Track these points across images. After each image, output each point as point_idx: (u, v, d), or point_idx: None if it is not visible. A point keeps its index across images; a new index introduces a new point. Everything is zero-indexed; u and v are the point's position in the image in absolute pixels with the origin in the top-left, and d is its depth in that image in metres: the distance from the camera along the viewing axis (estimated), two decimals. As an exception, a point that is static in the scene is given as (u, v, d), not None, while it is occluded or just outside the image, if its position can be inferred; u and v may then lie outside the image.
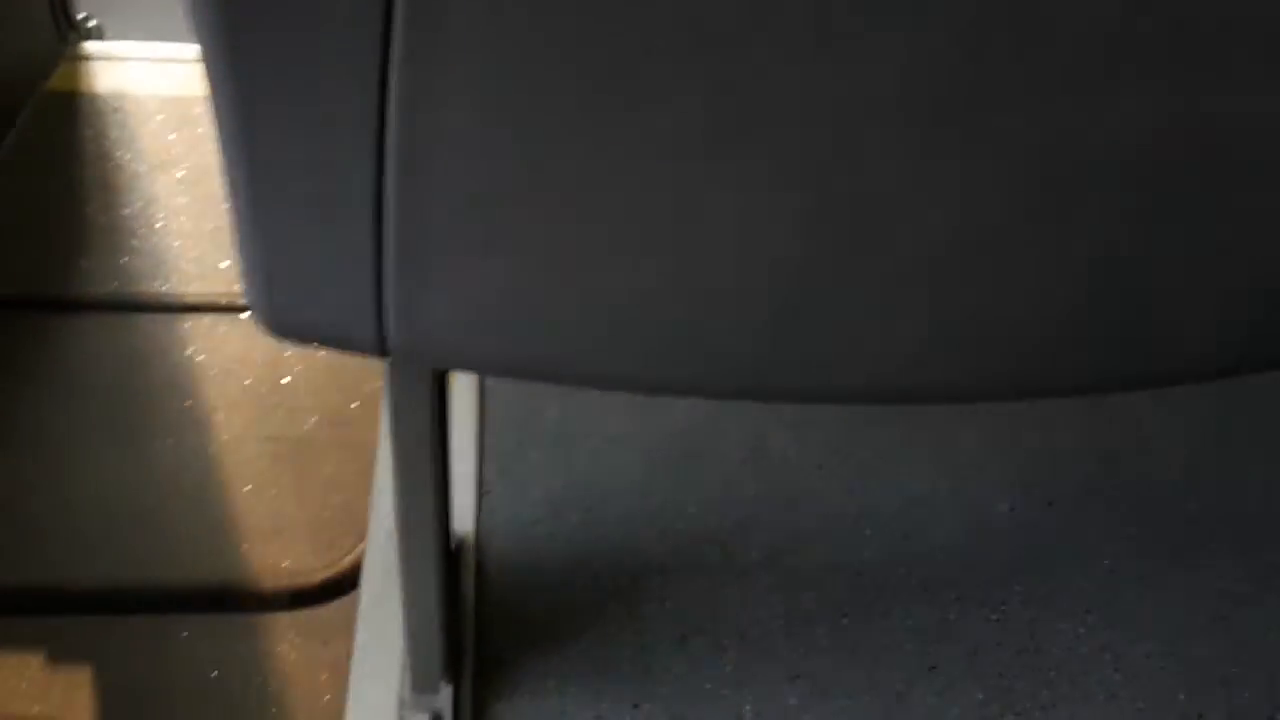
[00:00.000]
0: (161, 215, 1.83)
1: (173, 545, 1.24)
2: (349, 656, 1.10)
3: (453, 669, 1.02)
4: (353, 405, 1.47)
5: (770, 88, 0.55)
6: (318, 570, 1.23)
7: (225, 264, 1.69)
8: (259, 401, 1.48)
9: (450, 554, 1.09)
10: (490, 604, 1.11)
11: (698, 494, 1.27)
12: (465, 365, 0.84)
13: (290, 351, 1.51)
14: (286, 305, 0.66)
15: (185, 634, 1.15)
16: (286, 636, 1.15)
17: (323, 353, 1.38)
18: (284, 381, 1.50)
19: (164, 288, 1.66)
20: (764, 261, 0.63)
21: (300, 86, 0.55)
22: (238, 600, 1.18)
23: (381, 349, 0.67)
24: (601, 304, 0.66)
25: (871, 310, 0.67)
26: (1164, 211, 0.62)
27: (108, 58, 2.35)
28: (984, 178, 0.60)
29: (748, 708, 1.07)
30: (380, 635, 1.07)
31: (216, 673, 1.12)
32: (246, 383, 1.50)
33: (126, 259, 1.73)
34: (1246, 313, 0.70)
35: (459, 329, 0.68)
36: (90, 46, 2.39)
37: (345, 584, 1.20)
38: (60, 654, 1.13)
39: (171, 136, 1.99)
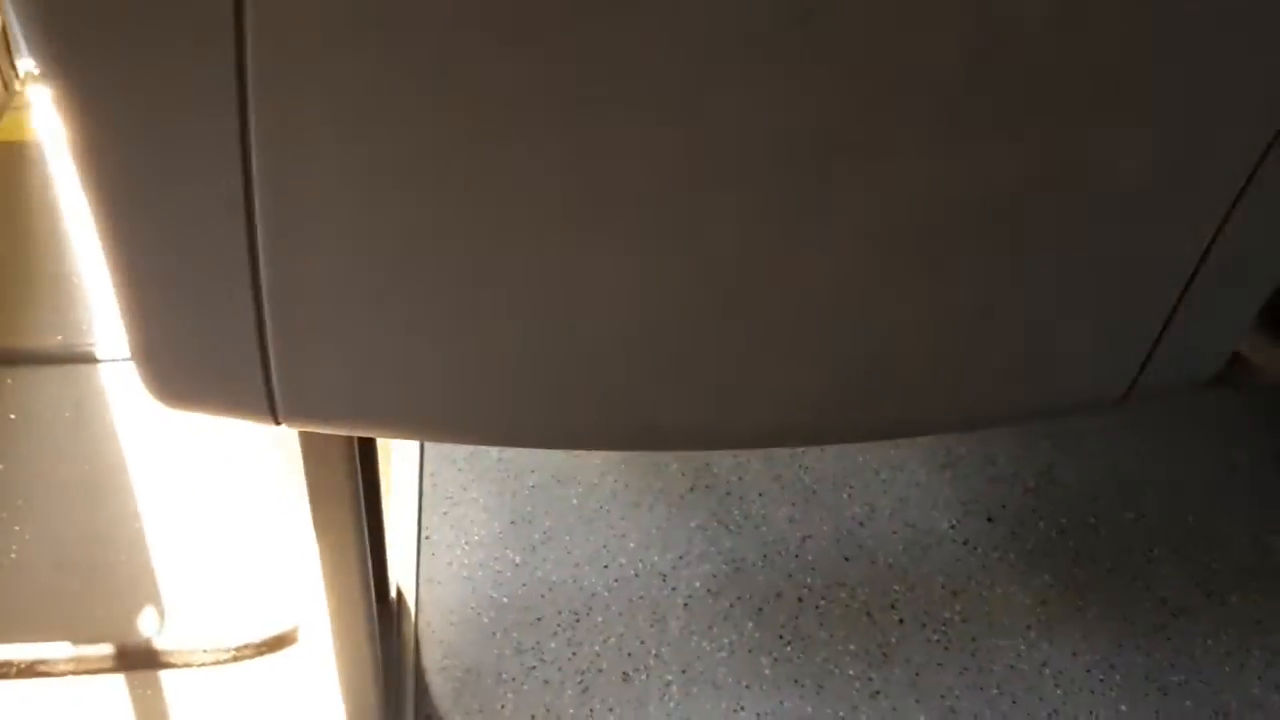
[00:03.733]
0: (109, 264, 1.83)
1: (123, 602, 1.24)
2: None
3: (392, 721, 1.02)
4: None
5: (642, 153, 0.56)
6: (269, 622, 1.23)
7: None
8: (212, 451, 1.48)
9: (386, 607, 1.09)
10: (431, 653, 1.11)
11: (641, 527, 1.27)
12: (358, 430, 0.84)
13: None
14: (174, 378, 0.67)
15: (141, 690, 1.16)
16: (238, 690, 1.16)
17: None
18: (234, 430, 1.50)
19: (113, 339, 1.66)
20: (648, 317, 0.64)
21: (170, 174, 0.56)
22: (184, 655, 1.18)
23: (273, 417, 0.68)
24: (486, 363, 0.66)
25: (758, 357, 0.68)
26: (1029, 253, 0.63)
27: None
28: (854, 231, 0.61)
29: (691, 743, 1.08)
30: (319, 688, 1.07)
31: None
32: (199, 432, 1.50)
33: (75, 309, 1.73)
34: (1117, 346, 0.71)
35: (346, 395, 0.68)
36: (36, 94, 2.38)
37: (294, 636, 1.20)
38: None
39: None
